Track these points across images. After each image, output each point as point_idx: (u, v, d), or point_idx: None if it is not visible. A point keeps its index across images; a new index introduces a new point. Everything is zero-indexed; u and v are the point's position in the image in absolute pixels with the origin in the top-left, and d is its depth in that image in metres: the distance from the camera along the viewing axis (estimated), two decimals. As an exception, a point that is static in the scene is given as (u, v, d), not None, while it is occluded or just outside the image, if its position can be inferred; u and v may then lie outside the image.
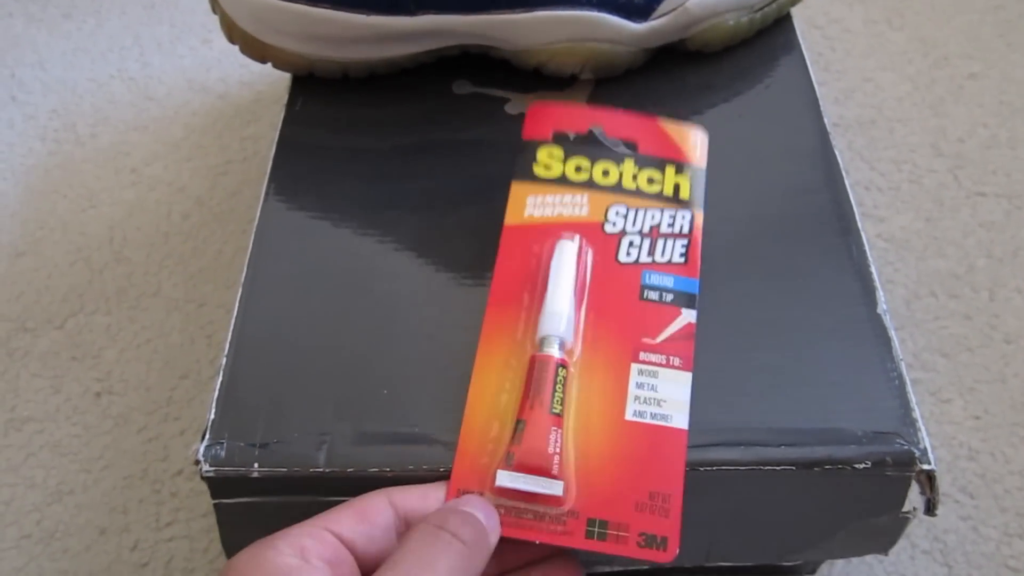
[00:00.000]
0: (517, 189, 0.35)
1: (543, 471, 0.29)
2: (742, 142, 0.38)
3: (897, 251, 0.47)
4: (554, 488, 0.28)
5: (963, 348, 0.43)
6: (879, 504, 0.30)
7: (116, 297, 0.47)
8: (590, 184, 0.35)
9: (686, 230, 0.34)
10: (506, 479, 0.29)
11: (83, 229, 0.50)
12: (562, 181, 0.35)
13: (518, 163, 0.36)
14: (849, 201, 0.35)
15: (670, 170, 0.36)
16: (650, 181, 0.35)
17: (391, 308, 0.33)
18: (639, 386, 0.31)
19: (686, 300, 0.32)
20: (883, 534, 0.31)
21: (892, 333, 0.32)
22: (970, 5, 0.59)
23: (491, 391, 0.31)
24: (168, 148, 0.53)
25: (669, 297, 0.33)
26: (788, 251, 0.34)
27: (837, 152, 0.37)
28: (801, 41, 0.42)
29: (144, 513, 0.40)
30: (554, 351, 0.31)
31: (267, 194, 0.37)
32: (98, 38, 0.61)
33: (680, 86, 0.40)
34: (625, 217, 0.34)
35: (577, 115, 0.37)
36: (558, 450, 0.29)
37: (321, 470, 0.29)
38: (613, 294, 0.33)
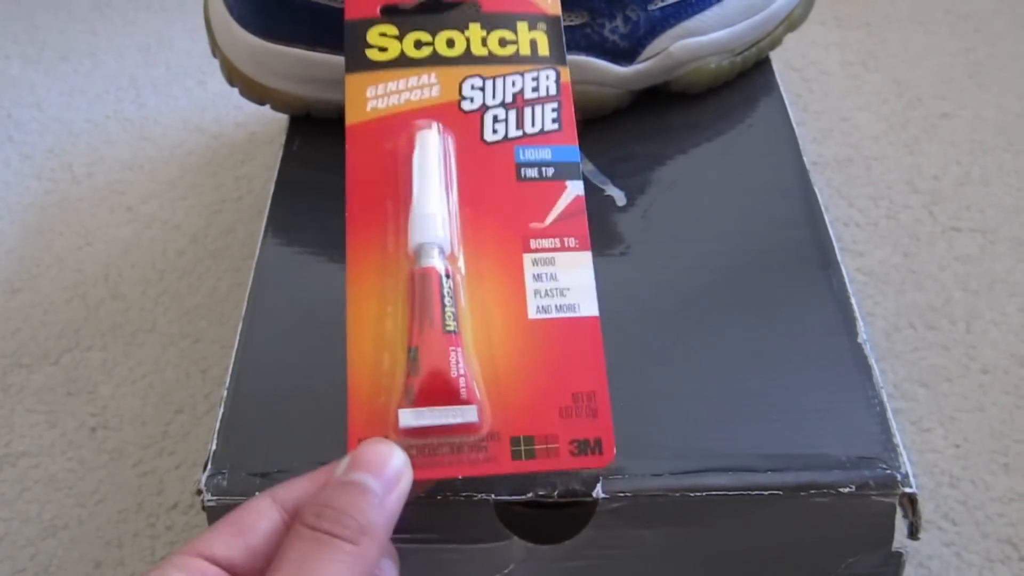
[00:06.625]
0: (353, 82, 0.31)
1: (451, 398, 0.25)
2: (725, 179, 0.39)
3: (876, 284, 0.48)
4: (467, 415, 0.25)
5: (942, 378, 0.44)
6: (868, 537, 0.30)
7: (111, 333, 0.47)
8: (435, 59, 0.31)
9: (553, 91, 0.31)
10: (410, 417, 0.25)
11: (79, 266, 0.51)
12: (403, 62, 0.31)
13: (348, 52, 0.31)
14: (828, 235, 0.37)
15: (523, 27, 0.31)
16: (502, 43, 0.31)
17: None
18: (537, 278, 0.28)
19: (568, 171, 0.30)
20: None
21: (872, 362, 0.33)
22: (942, 47, 0.62)
23: (371, 319, 0.27)
24: (163, 187, 0.54)
25: (550, 171, 0.30)
26: (770, 283, 0.35)
27: (816, 189, 0.39)
28: (780, 83, 0.44)
29: (139, 547, 0.40)
30: (434, 261, 0.27)
31: (266, 231, 0.38)
32: (95, 79, 0.62)
33: (665, 125, 0.42)
34: (483, 89, 0.31)
35: None
36: (462, 371, 0.26)
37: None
38: (486, 180, 0.30)
